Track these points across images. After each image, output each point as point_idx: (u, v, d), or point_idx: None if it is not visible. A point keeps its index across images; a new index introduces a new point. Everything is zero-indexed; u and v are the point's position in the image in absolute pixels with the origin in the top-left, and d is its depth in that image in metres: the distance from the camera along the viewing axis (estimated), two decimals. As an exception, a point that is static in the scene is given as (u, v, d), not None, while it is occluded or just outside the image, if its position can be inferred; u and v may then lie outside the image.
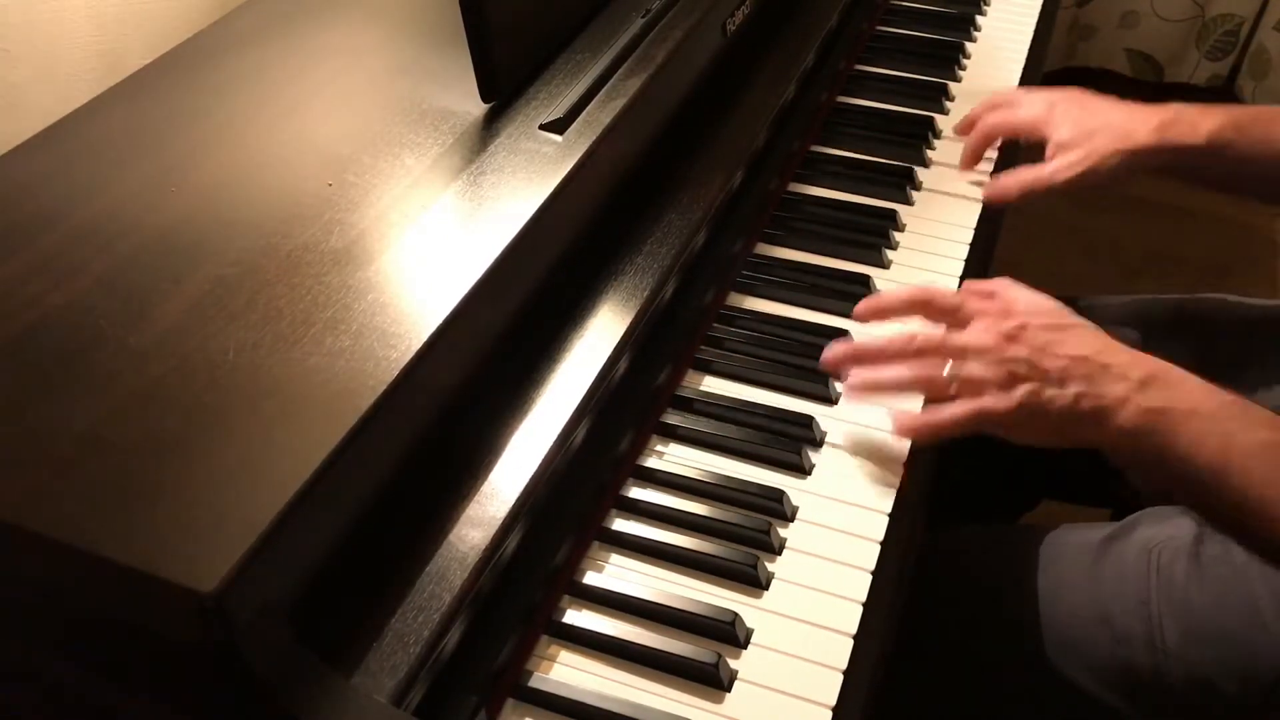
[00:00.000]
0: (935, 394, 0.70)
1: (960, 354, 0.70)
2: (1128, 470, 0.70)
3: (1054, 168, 0.91)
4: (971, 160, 0.99)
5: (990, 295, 0.75)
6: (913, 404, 0.74)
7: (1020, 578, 0.84)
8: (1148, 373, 0.67)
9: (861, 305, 0.76)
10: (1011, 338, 0.69)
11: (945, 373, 0.69)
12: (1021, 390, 0.67)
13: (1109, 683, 0.79)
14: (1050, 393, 0.67)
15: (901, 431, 0.69)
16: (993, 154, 1.00)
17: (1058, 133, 0.91)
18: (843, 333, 0.82)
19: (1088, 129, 0.90)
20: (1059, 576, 0.82)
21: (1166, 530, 0.81)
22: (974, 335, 0.70)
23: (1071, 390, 0.67)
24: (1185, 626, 0.77)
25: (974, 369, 0.68)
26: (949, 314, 0.73)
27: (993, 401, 0.67)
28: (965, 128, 1.01)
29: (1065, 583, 0.82)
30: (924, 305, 0.73)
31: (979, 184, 0.98)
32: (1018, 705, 0.86)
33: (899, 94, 1.09)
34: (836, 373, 0.74)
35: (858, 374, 0.72)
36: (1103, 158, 0.89)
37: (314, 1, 0.84)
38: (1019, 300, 0.73)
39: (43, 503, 0.49)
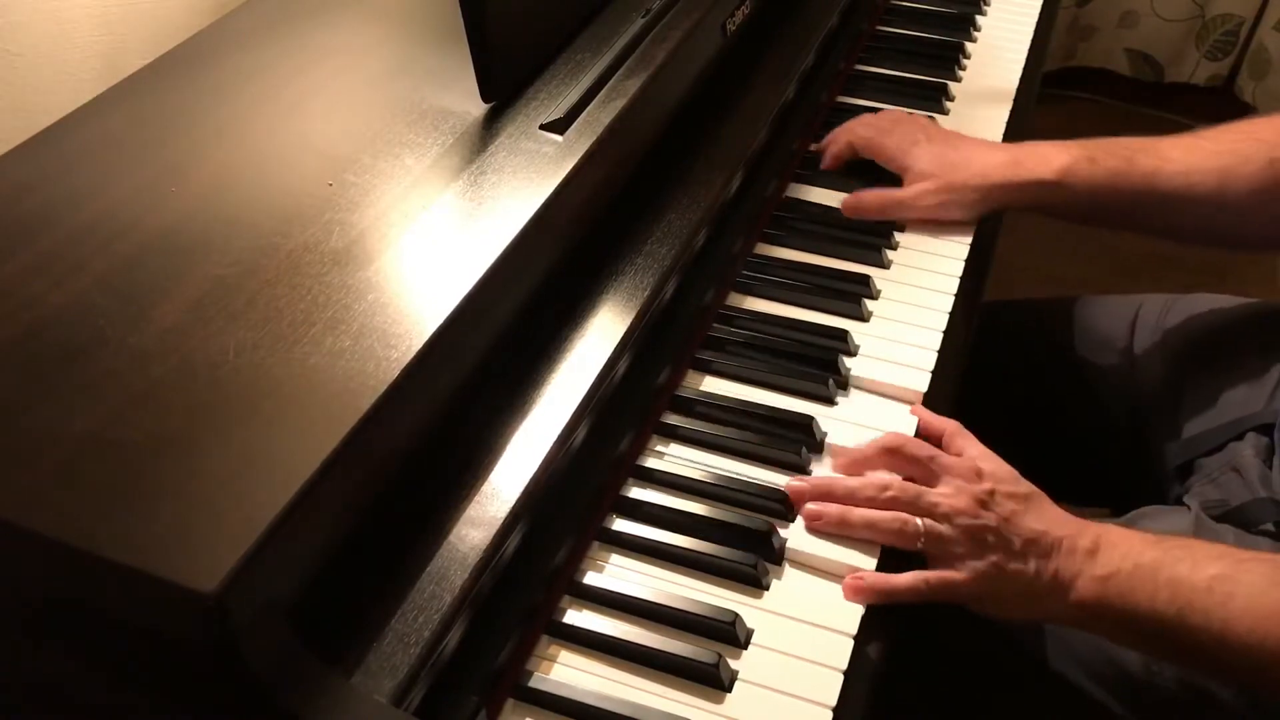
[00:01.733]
0: (903, 545, 0.69)
1: (931, 511, 0.69)
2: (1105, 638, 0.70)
3: (913, 193, 0.93)
4: (831, 164, 0.99)
5: (955, 449, 0.74)
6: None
7: None
8: (1092, 541, 0.68)
9: (840, 461, 0.74)
10: (982, 503, 0.69)
11: (920, 525, 0.69)
12: (987, 561, 0.67)
13: (1104, 683, 0.79)
14: (1014, 566, 0.67)
15: (852, 595, 0.66)
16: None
17: (918, 163, 0.93)
18: (842, 333, 0.83)
19: (948, 162, 0.92)
20: None
21: (1163, 529, 0.81)
22: (947, 496, 0.69)
23: (1032, 565, 0.67)
24: None
25: (945, 530, 0.68)
26: (918, 464, 0.72)
27: (954, 573, 0.68)
28: (828, 140, 1.00)
29: None
30: (894, 452, 0.72)
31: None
32: (1015, 704, 0.86)
33: (899, 94, 1.09)
34: (798, 503, 0.71)
35: (826, 508, 0.69)
36: (958, 192, 0.91)
37: (314, 1, 0.84)
38: (982, 461, 0.72)
39: (43, 503, 0.49)
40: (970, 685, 0.87)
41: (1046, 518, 0.69)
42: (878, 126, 0.97)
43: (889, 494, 0.70)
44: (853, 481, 0.71)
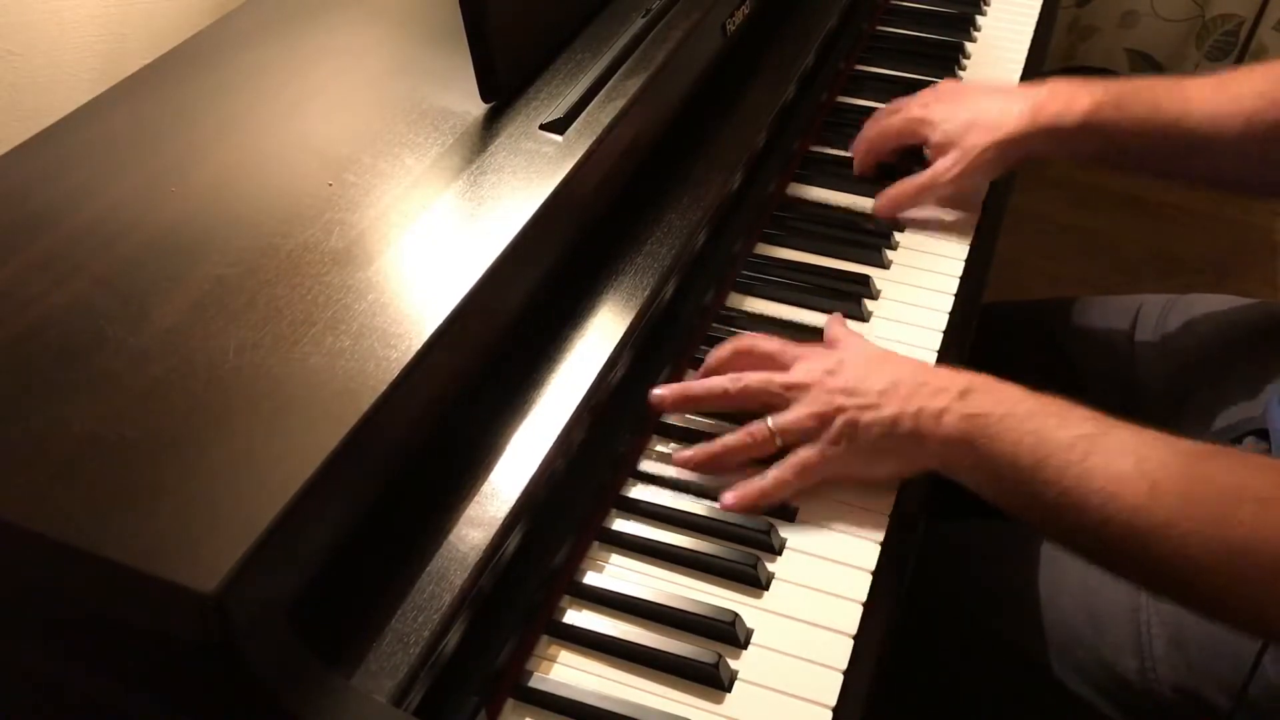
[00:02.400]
0: (761, 453, 0.70)
1: (782, 394, 0.70)
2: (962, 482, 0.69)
3: (934, 172, 0.91)
4: (862, 174, 0.97)
5: (829, 337, 0.77)
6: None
7: (1016, 582, 0.84)
8: (967, 383, 0.67)
9: (699, 372, 0.76)
10: (830, 372, 0.70)
11: (769, 424, 0.70)
12: (842, 420, 0.67)
13: (1100, 689, 0.79)
14: (869, 416, 0.67)
15: (729, 506, 0.69)
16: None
17: (934, 134, 0.92)
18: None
19: (961, 123, 0.90)
20: (1054, 581, 0.83)
21: None
22: (796, 375, 0.71)
23: (889, 411, 0.67)
24: (1173, 635, 0.77)
25: (796, 414, 0.69)
26: (770, 359, 0.73)
27: (810, 451, 0.68)
28: (857, 148, 0.99)
29: (1059, 587, 0.82)
30: (746, 353, 0.74)
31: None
32: (1011, 707, 0.86)
33: (899, 94, 1.09)
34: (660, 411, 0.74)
35: (690, 457, 0.71)
36: (978, 154, 0.88)
37: (314, 1, 0.84)
38: (840, 340, 0.74)
39: (43, 503, 0.49)
40: (968, 691, 0.87)
41: (907, 367, 0.70)
42: (885, 113, 0.96)
43: (740, 384, 0.71)
44: (708, 381, 0.73)
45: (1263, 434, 0.86)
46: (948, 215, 0.95)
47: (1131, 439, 0.63)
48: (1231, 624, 0.64)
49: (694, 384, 0.74)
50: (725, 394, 0.72)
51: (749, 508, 0.69)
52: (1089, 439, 0.63)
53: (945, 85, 0.96)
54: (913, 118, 0.94)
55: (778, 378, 0.72)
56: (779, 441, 0.70)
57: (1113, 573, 0.67)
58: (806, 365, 0.72)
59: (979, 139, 0.89)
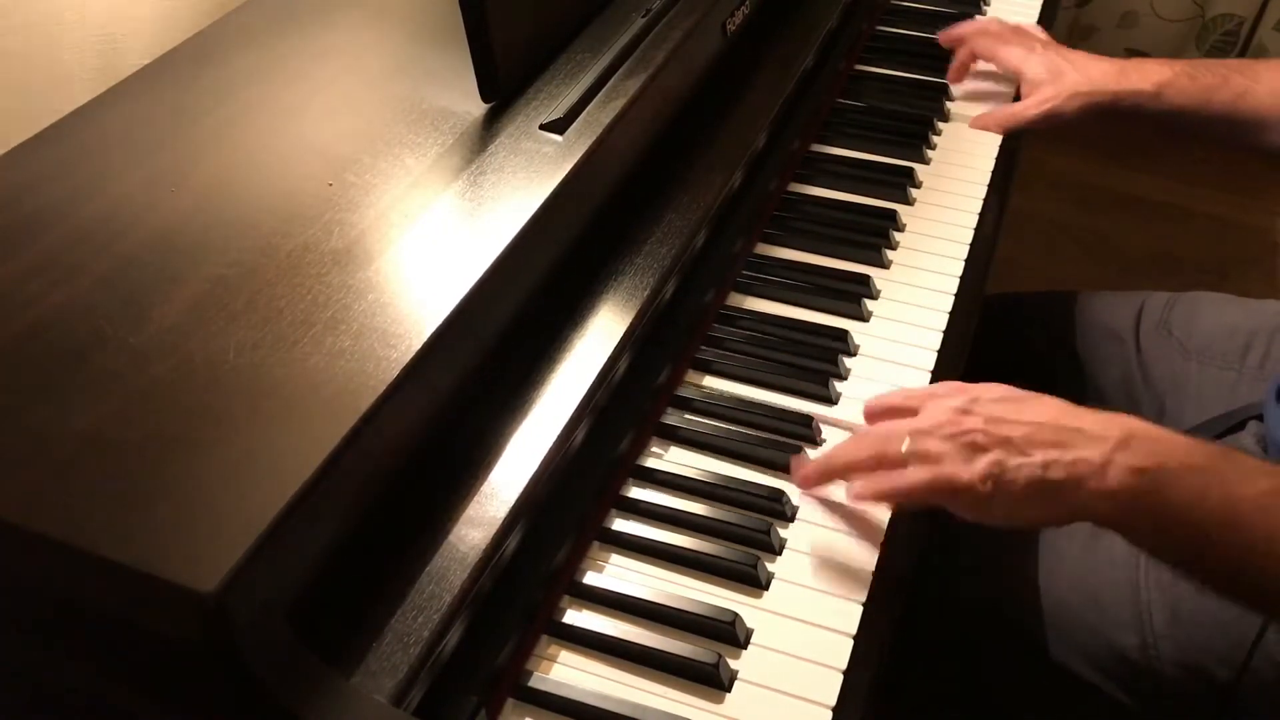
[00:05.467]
0: (888, 467, 0.67)
1: (914, 433, 0.66)
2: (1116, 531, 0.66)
3: (1025, 104, 1.03)
4: (959, 74, 1.10)
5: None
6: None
7: (1015, 565, 0.84)
8: (1125, 431, 0.62)
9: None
10: (964, 411, 0.65)
11: (903, 448, 0.66)
12: (983, 461, 0.62)
13: (1102, 668, 0.80)
14: (1015, 461, 0.62)
15: (856, 497, 0.67)
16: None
17: (1031, 70, 1.03)
18: (842, 333, 0.82)
19: (1057, 69, 1.01)
20: (1052, 563, 0.83)
21: None
22: (927, 414, 0.67)
23: (1038, 457, 0.62)
24: (1173, 611, 0.78)
25: (929, 443, 0.65)
26: (901, 411, 0.70)
27: (952, 469, 0.63)
28: (952, 38, 1.11)
29: (1058, 569, 0.83)
30: (880, 414, 0.71)
31: (978, 186, 0.99)
32: (1015, 693, 0.86)
33: (899, 94, 1.09)
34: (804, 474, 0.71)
35: (809, 473, 0.70)
36: (1067, 98, 0.99)
37: (314, 1, 0.84)
38: (972, 386, 0.69)
39: (43, 503, 0.49)
40: (971, 677, 0.88)
41: (1052, 410, 0.65)
42: (1000, 36, 1.06)
43: (873, 434, 0.70)
44: (848, 448, 0.70)
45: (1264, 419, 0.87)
46: (947, 215, 0.95)
47: None
48: None
49: (833, 457, 0.69)
50: (857, 461, 0.68)
51: (885, 499, 0.68)
52: (1272, 495, 0.60)
53: (1046, 38, 1.07)
54: (1017, 56, 1.03)
55: (906, 425, 0.67)
56: (906, 459, 0.66)
57: None
58: (935, 406, 0.67)
59: (1072, 84, 0.99)
